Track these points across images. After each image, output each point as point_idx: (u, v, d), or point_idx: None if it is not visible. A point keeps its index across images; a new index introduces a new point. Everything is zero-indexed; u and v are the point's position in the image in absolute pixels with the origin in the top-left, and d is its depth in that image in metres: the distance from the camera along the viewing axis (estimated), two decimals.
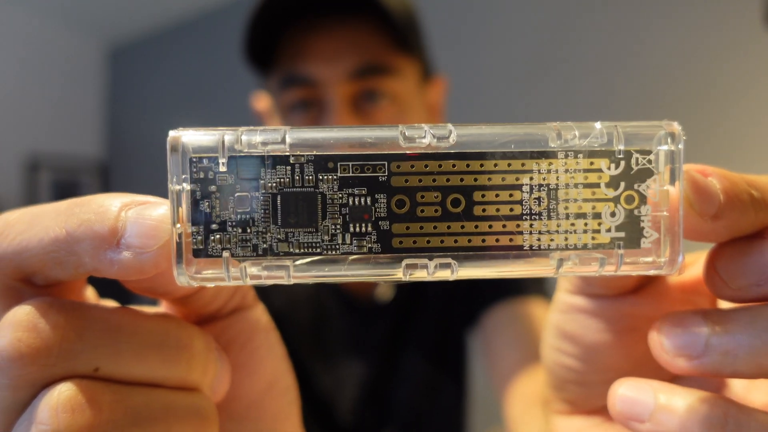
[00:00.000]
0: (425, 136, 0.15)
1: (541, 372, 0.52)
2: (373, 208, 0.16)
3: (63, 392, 0.14)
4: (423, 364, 0.65)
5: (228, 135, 0.15)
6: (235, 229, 0.15)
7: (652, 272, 0.16)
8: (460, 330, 0.66)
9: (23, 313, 0.15)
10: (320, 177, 0.15)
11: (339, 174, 0.15)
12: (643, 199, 0.16)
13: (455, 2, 1.63)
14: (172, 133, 0.15)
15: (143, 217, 0.15)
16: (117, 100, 2.62)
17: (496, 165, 0.16)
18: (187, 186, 0.15)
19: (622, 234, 0.16)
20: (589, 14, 1.44)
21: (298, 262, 0.16)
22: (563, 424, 0.23)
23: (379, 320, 0.64)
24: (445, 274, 0.16)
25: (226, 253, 0.15)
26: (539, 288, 0.62)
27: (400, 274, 0.16)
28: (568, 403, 0.23)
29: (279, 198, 0.15)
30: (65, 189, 2.39)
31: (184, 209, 0.15)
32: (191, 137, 0.15)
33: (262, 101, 0.65)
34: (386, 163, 0.15)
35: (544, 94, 1.49)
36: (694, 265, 0.21)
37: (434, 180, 0.16)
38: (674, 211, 0.15)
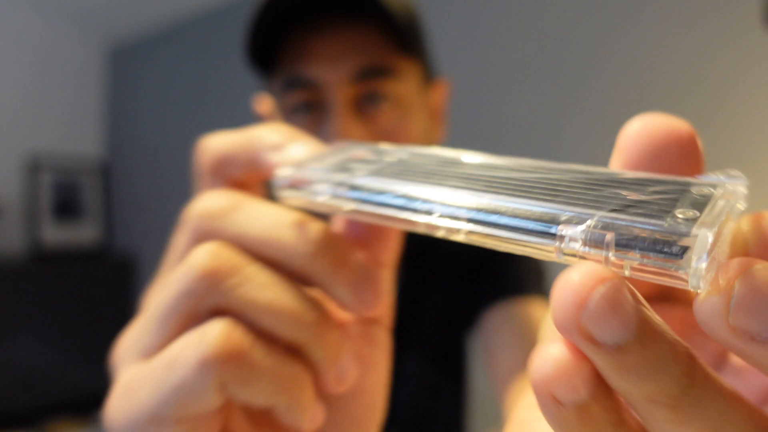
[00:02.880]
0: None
1: None
2: None
3: (224, 324, 0.17)
4: (424, 366, 0.65)
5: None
6: None
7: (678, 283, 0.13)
8: (461, 331, 0.66)
9: (214, 244, 0.19)
10: None
11: None
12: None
13: (458, 5, 1.63)
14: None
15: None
16: (117, 100, 2.61)
17: None
18: None
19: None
20: (589, 15, 1.44)
21: None
22: None
23: None
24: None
25: None
26: (539, 288, 0.62)
27: None
28: None
29: None
30: (65, 189, 2.39)
31: None
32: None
33: (264, 104, 0.65)
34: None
35: (546, 95, 1.50)
36: None
37: None
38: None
